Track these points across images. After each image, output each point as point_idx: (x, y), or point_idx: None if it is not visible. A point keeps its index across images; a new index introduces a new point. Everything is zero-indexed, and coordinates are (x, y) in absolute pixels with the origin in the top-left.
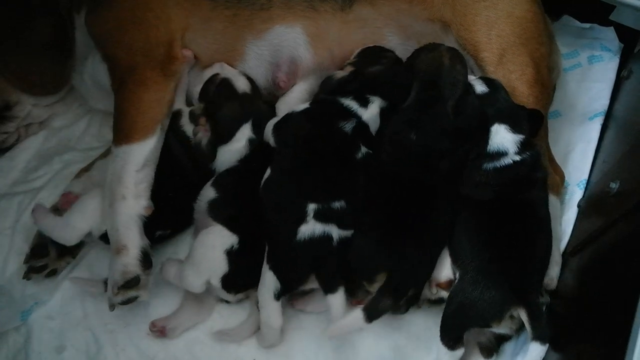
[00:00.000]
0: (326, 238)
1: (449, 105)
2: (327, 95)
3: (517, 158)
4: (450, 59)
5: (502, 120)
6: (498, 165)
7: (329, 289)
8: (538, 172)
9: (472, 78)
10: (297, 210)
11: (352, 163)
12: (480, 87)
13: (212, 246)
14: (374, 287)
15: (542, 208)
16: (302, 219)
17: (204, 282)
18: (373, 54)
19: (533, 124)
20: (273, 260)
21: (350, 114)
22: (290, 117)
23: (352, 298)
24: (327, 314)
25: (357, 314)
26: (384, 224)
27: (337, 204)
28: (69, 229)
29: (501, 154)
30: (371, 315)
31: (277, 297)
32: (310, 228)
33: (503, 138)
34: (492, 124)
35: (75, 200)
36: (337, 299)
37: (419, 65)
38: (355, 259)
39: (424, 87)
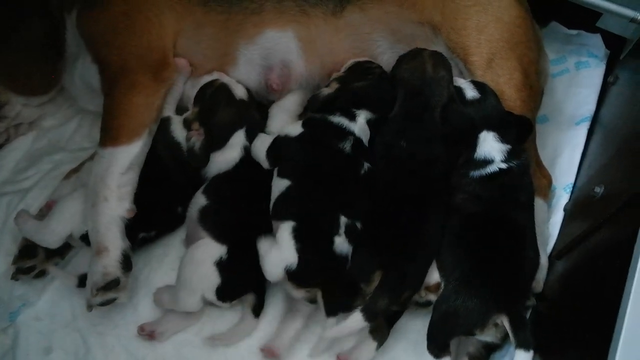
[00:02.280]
0: (346, 259)
1: (437, 112)
2: (315, 114)
3: (504, 166)
4: (434, 66)
5: (490, 128)
6: (484, 173)
7: (332, 311)
8: (524, 189)
9: (462, 82)
10: (330, 219)
11: (359, 182)
12: (470, 92)
13: (201, 261)
14: (372, 288)
15: (528, 222)
16: (336, 229)
17: (200, 299)
18: (361, 70)
19: (521, 131)
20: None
21: (344, 132)
22: (283, 141)
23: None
24: (318, 318)
25: (357, 315)
26: (378, 229)
27: (359, 224)
28: (50, 233)
29: (487, 161)
30: (370, 315)
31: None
32: (341, 242)
33: (490, 146)
34: (480, 130)
35: None
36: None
37: (402, 74)
38: (352, 264)
39: (410, 96)
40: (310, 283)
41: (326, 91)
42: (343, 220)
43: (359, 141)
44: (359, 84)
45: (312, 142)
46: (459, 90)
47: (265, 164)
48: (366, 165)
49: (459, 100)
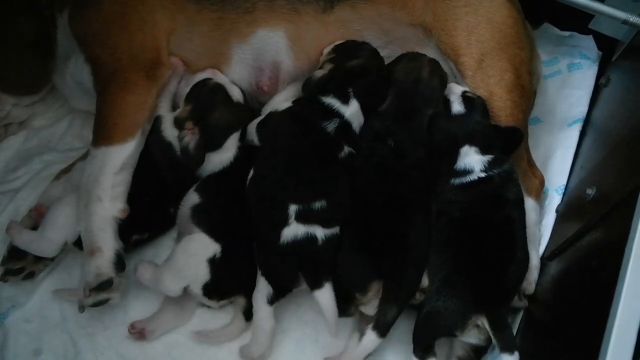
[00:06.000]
0: (310, 239)
1: (424, 120)
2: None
3: (483, 175)
4: (429, 73)
5: (472, 143)
6: (464, 182)
7: (315, 284)
8: (509, 192)
9: (455, 91)
10: (279, 212)
11: (334, 162)
12: (457, 107)
13: (194, 254)
14: (368, 297)
15: (516, 226)
16: (284, 221)
17: (182, 288)
18: (350, 48)
19: (510, 143)
20: (262, 266)
21: (332, 113)
22: (273, 115)
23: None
24: (309, 318)
25: (370, 335)
26: (366, 232)
27: (318, 204)
28: (46, 242)
29: (467, 171)
30: (382, 329)
31: (270, 302)
32: (292, 230)
33: (471, 159)
34: (462, 145)
35: (47, 211)
36: (325, 293)
37: (397, 72)
38: (344, 273)
39: (400, 96)
40: (291, 281)
41: (319, 73)
42: (293, 208)
43: (346, 124)
44: (354, 62)
45: (295, 117)
46: (446, 103)
47: (255, 138)
48: (347, 149)
49: (445, 114)
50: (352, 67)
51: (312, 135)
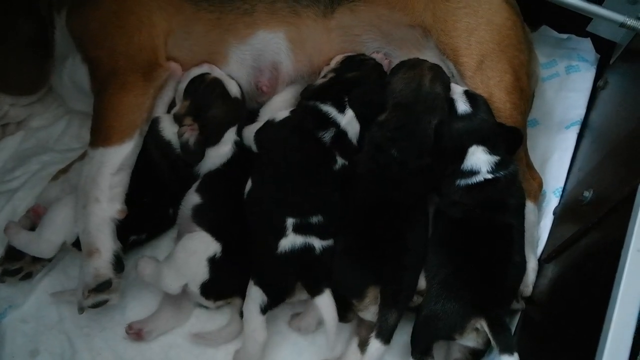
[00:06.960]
0: (308, 248)
1: (430, 129)
2: (307, 101)
3: (489, 176)
4: (431, 80)
5: (480, 142)
6: (469, 183)
7: (314, 292)
8: (513, 195)
9: (457, 91)
10: (276, 224)
11: (329, 176)
12: (462, 107)
13: (195, 252)
14: (365, 304)
15: (516, 229)
16: (282, 233)
17: (181, 286)
18: (355, 62)
19: (512, 142)
20: (258, 274)
21: (329, 122)
22: (270, 124)
23: (342, 320)
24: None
25: (374, 344)
26: (363, 238)
27: (315, 219)
28: (44, 243)
29: (474, 172)
30: (385, 336)
31: (263, 311)
32: (290, 241)
33: (478, 158)
34: (470, 144)
35: (44, 212)
36: (325, 299)
37: (397, 82)
38: (340, 279)
39: (401, 105)
40: (287, 289)
41: (320, 81)
42: (290, 221)
43: (342, 133)
44: (352, 73)
45: (292, 128)
46: (451, 103)
47: (253, 146)
48: (340, 161)
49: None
50: (350, 78)
51: (308, 146)
